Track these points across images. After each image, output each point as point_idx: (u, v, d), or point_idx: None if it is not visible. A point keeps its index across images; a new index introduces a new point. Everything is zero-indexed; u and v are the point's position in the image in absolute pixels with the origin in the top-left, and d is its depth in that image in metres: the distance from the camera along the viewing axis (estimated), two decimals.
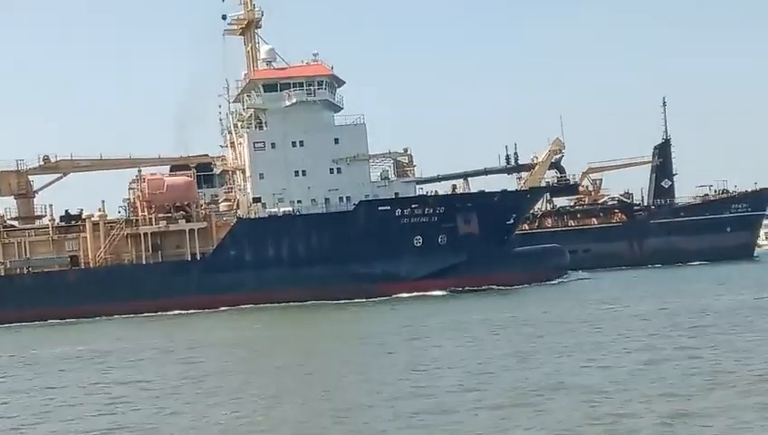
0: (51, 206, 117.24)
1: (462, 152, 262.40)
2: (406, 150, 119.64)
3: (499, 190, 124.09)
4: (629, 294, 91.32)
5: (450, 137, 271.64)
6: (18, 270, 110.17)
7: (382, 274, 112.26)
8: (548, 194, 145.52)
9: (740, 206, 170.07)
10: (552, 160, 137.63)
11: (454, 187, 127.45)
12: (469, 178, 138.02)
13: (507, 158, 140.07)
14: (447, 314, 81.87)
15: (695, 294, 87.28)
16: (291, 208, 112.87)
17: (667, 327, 58.70)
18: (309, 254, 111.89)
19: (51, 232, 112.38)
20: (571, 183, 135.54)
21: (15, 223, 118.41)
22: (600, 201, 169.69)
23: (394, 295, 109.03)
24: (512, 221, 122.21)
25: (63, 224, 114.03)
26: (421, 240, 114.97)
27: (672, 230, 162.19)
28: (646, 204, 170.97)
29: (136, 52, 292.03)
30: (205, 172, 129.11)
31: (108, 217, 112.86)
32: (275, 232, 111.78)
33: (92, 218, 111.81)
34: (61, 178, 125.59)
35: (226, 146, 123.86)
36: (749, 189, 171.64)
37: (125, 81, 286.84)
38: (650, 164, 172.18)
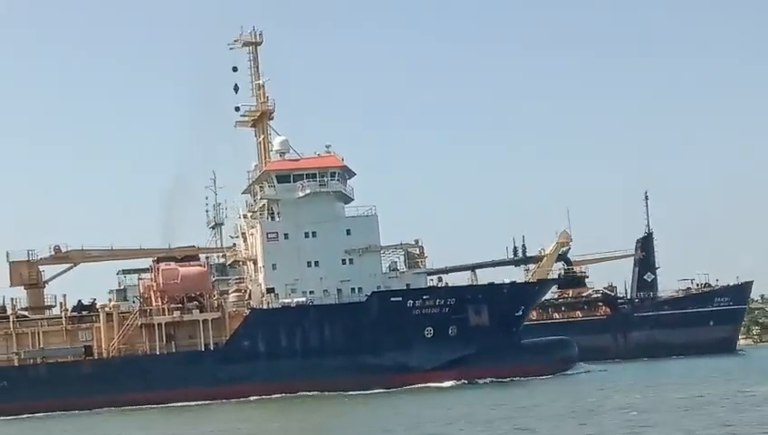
0: (64, 296, 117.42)
1: (470, 243, 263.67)
2: (417, 242, 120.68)
3: (508, 282, 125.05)
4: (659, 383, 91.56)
5: (458, 228, 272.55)
6: (32, 360, 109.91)
7: (393, 365, 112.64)
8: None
9: (722, 299, 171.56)
10: (560, 253, 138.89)
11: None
12: (477, 270, 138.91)
13: (515, 249, 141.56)
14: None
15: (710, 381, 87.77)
16: (304, 299, 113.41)
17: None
18: (321, 344, 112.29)
19: (64, 322, 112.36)
20: (579, 275, 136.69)
21: (26, 313, 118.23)
22: (585, 294, 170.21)
23: (405, 386, 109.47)
24: (520, 313, 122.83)
25: (76, 314, 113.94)
26: (432, 331, 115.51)
27: (656, 324, 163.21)
28: (629, 297, 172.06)
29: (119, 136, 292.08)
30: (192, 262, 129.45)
31: (121, 308, 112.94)
32: (289, 323, 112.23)
33: (106, 309, 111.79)
34: (71, 268, 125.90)
35: (237, 237, 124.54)
36: (731, 283, 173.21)
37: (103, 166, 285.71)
38: (633, 257, 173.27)
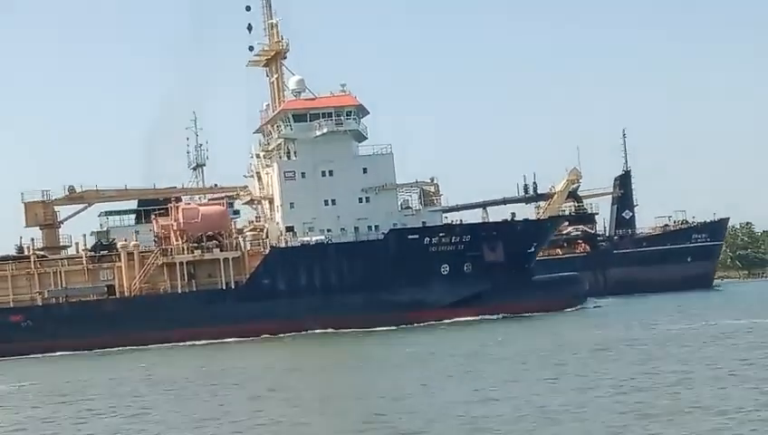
0: (84, 236, 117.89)
1: (482, 181, 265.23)
2: (432, 180, 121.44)
3: (522, 219, 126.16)
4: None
5: (471, 166, 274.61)
6: (55, 299, 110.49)
7: (411, 301, 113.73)
8: None
9: (700, 236, 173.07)
10: (570, 190, 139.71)
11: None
12: (488, 208, 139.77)
13: (526, 187, 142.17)
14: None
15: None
16: (323, 237, 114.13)
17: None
18: (341, 282, 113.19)
19: (85, 262, 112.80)
20: (589, 212, 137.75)
21: (42, 253, 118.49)
22: (564, 231, 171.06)
23: (422, 322, 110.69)
24: (533, 250, 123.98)
25: (96, 253, 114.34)
26: (448, 268, 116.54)
27: (635, 260, 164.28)
28: (608, 234, 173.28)
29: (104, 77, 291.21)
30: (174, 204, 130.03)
31: (141, 247, 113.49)
32: (308, 261, 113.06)
33: (127, 248, 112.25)
34: (86, 208, 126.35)
35: (251, 176, 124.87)
36: (708, 220, 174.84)
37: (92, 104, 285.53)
38: (611, 195, 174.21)
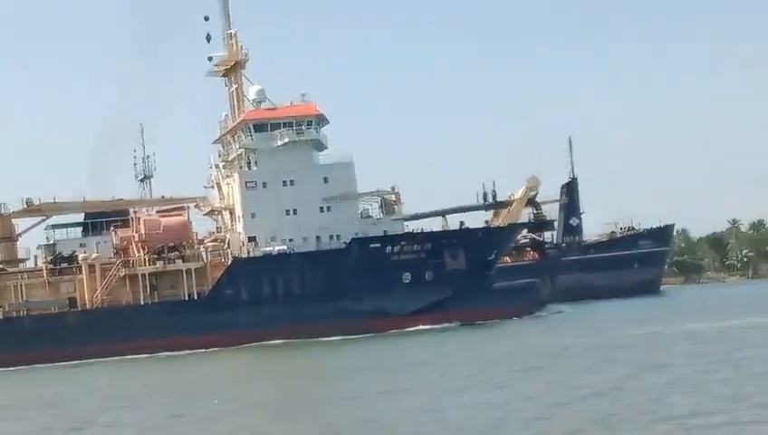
0: (45, 247, 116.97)
1: (441, 189, 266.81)
2: (393, 188, 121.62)
3: (482, 226, 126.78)
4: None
5: (430, 174, 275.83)
6: (16, 313, 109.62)
7: (373, 310, 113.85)
8: None
9: (646, 242, 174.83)
10: (529, 197, 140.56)
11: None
12: (447, 216, 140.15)
13: (485, 194, 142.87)
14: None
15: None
16: (285, 247, 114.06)
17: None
18: (303, 291, 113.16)
19: (45, 274, 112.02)
20: (548, 219, 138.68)
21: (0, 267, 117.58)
22: None
23: (384, 331, 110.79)
24: (493, 257, 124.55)
25: (57, 266, 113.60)
26: (410, 276, 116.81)
27: (583, 267, 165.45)
28: (556, 242, 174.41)
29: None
30: (123, 217, 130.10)
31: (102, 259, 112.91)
32: (270, 271, 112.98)
33: (88, 260, 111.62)
34: (44, 220, 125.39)
35: (211, 186, 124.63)
36: (653, 226, 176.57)
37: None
38: (558, 202, 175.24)
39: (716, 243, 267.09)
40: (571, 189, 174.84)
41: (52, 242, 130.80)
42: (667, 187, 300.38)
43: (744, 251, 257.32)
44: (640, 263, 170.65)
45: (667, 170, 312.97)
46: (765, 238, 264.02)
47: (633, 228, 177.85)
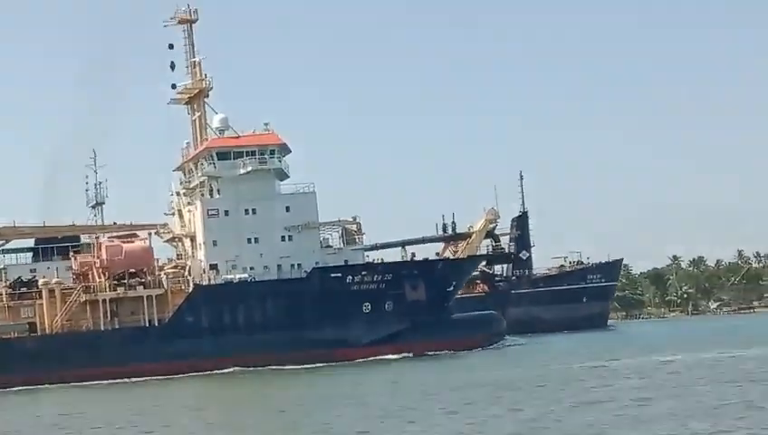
0: (48, 269, 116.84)
1: (401, 220, 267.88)
2: (354, 218, 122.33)
3: (442, 258, 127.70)
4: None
5: (390, 205, 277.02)
6: None
7: (333, 339, 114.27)
8: None
9: (595, 276, 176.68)
10: (488, 229, 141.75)
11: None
12: (407, 247, 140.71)
13: (444, 226, 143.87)
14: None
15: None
16: (246, 275, 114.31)
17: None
18: (264, 320, 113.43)
19: (5, 298, 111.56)
20: (507, 252, 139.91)
21: None
22: None
23: (344, 361, 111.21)
24: (451, 288, 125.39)
25: (16, 291, 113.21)
26: (369, 307, 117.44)
27: (532, 300, 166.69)
28: (506, 275, 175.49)
29: None
30: (73, 243, 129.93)
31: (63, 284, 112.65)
32: (232, 298, 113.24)
33: (48, 285, 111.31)
34: (3, 244, 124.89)
35: (172, 214, 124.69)
36: (602, 260, 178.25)
37: None
38: (509, 236, 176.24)
39: (657, 279, 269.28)
40: (521, 223, 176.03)
41: (1, 267, 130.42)
42: (607, 221, 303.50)
43: (684, 287, 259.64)
44: (589, 297, 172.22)
45: (608, 206, 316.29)
46: (705, 275, 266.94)
47: (582, 262, 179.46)
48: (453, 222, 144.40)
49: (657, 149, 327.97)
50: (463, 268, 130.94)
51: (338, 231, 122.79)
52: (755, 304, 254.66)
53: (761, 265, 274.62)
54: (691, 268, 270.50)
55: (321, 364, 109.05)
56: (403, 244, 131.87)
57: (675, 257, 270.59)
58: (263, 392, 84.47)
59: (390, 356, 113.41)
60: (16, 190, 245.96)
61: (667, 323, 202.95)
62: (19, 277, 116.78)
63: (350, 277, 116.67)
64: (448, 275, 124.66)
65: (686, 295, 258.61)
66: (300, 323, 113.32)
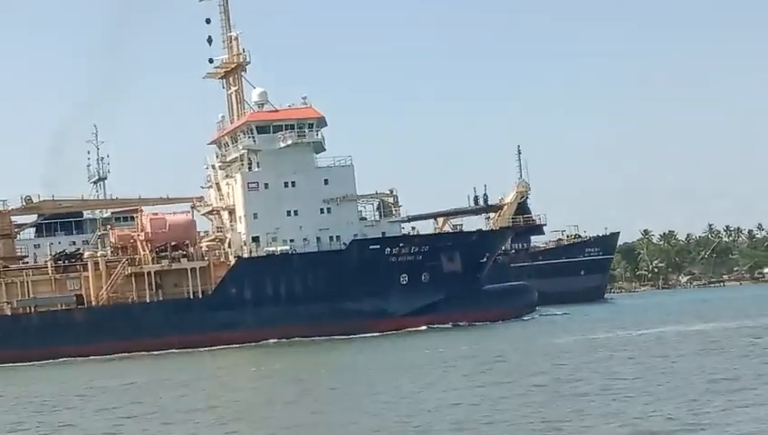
0: (51, 245, 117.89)
1: (434, 192, 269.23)
2: (392, 191, 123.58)
3: (476, 230, 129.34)
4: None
5: (424, 177, 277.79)
6: (23, 309, 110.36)
7: (372, 310, 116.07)
8: None
9: (592, 250, 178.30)
10: (519, 201, 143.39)
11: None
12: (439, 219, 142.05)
13: (476, 199, 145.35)
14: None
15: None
16: (287, 247, 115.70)
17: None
18: (305, 291, 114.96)
19: (51, 271, 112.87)
20: (537, 223, 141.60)
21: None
22: None
23: (382, 332, 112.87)
24: (485, 260, 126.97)
25: (63, 263, 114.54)
26: (407, 278, 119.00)
27: (531, 273, 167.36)
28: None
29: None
30: (75, 218, 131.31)
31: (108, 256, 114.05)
32: (274, 270, 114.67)
33: (94, 258, 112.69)
34: (42, 218, 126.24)
35: (210, 186, 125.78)
36: (600, 234, 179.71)
37: None
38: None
39: (628, 253, 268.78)
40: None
41: None
42: (579, 196, 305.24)
43: (655, 262, 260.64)
44: (587, 270, 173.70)
45: (580, 181, 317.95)
46: (676, 249, 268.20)
47: (580, 236, 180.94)
48: (485, 194, 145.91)
49: (633, 130, 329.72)
50: (496, 240, 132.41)
51: (374, 204, 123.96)
52: (725, 277, 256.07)
53: (731, 238, 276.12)
54: (662, 243, 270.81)
55: (358, 335, 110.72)
56: (436, 216, 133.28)
57: (645, 232, 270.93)
58: (334, 361, 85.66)
59: (425, 326, 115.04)
60: (20, 163, 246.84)
61: (651, 296, 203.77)
62: (63, 251, 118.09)
63: (389, 249, 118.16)
64: (482, 246, 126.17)
65: (656, 269, 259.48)
66: (339, 294, 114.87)
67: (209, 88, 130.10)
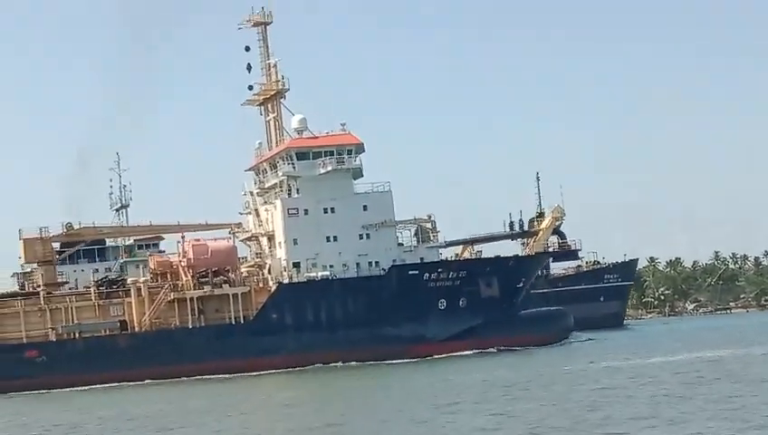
0: (94, 271, 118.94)
1: (467, 218, 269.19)
2: (430, 217, 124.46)
3: (513, 255, 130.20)
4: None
5: (458, 202, 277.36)
6: (68, 335, 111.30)
7: (411, 335, 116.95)
8: None
9: (611, 276, 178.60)
10: (554, 227, 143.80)
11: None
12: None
13: (511, 224, 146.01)
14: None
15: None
16: (328, 273, 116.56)
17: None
18: (345, 316, 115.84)
19: (94, 297, 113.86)
20: (573, 249, 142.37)
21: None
22: None
23: (421, 357, 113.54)
24: (521, 285, 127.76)
25: (105, 289, 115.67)
26: (445, 303, 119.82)
27: (551, 300, 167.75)
28: None
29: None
30: (98, 246, 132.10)
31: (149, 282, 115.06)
32: (314, 296, 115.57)
33: (137, 284, 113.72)
34: (82, 244, 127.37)
35: (248, 213, 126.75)
36: (618, 261, 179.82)
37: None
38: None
39: (634, 280, 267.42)
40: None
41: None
42: (587, 223, 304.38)
43: (662, 289, 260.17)
44: (606, 296, 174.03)
45: (588, 207, 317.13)
46: (682, 276, 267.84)
47: (599, 263, 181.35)
48: (520, 220, 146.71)
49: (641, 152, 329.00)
50: (532, 265, 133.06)
51: (410, 229, 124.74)
52: (732, 304, 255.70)
53: (737, 265, 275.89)
54: (668, 270, 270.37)
55: (398, 361, 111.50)
56: (472, 241, 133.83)
57: (651, 259, 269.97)
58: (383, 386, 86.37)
59: (467, 352, 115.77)
60: (39, 191, 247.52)
61: (659, 324, 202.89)
62: (106, 276, 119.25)
63: (427, 274, 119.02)
64: (519, 271, 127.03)
65: (662, 297, 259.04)
66: (379, 319, 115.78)
67: (233, 113, 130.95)
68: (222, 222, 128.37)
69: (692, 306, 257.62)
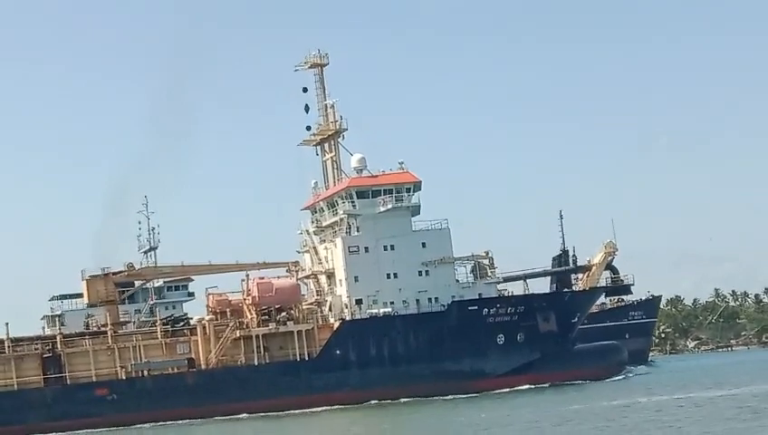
0: (159, 310, 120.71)
1: (519, 252, 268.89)
2: (487, 253, 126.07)
3: (568, 291, 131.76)
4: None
5: (508, 238, 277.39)
6: (137, 373, 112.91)
7: (471, 370, 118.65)
8: None
9: (636, 313, 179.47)
10: (607, 262, 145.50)
11: None
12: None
13: (565, 259, 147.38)
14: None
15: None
16: (390, 309, 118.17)
17: None
18: (407, 352, 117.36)
19: (160, 335, 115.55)
20: (625, 283, 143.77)
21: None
22: None
23: (481, 392, 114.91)
24: (576, 319, 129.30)
25: (172, 328, 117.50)
26: (503, 338, 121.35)
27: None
28: None
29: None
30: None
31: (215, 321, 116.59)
32: (377, 332, 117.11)
33: (203, 322, 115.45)
34: (143, 284, 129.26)
35: (306, 251, 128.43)
36: (642, 298, 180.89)
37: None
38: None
39: None
40: (561, 262, 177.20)
41: (60, 313, 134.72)
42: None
43: (662, 327, 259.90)
44: (631, 333, 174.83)
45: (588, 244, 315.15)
46: (683, 314, 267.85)
47: (623, 300, 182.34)
48: (574, 255, 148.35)
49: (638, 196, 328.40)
50: (586, 300, 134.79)
51: (467, 265, 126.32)
52: (732, 341, 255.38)
53: (737, 303, 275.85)
54: (668, 308, 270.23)
55: (459, 395, 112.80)
56: (525, 277, 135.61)
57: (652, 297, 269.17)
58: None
59: (523, 386, 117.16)
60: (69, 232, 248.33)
61: (665, 362, 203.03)
62: (171, 315, 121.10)
63: (486, 310, 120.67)
64: (573, 306, 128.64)
65: (663, 335, 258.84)
66: (440, 354, 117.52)
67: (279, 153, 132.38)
68: (279, 260, 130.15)
69: (693, 344, 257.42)
